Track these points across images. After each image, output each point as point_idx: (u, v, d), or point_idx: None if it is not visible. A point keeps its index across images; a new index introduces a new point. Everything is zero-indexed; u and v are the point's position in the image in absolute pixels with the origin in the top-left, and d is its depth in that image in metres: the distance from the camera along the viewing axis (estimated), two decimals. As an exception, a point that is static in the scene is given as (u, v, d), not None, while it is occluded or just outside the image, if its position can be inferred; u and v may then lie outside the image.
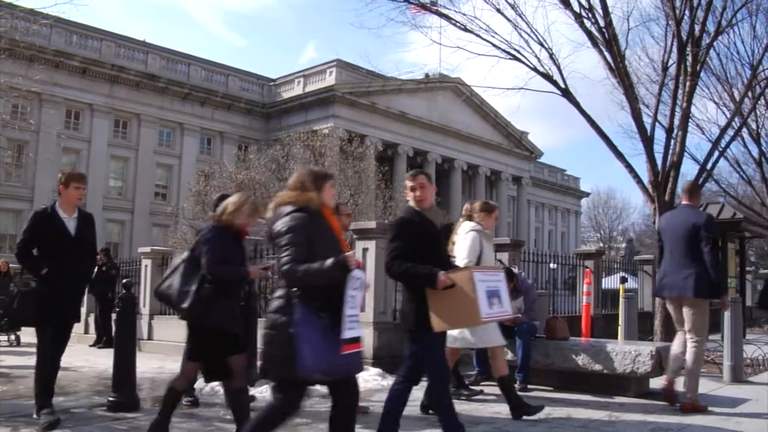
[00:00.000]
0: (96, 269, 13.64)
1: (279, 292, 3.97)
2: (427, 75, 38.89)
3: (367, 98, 44.64)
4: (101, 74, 39.85)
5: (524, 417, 6.33)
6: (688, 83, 12.26)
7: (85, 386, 8.74)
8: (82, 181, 6.36)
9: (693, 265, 6.76)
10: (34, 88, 29.65)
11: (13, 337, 15.21)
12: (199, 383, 8.36)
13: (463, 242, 6.64)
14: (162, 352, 13.35)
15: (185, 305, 5.11)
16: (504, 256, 12.26)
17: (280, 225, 3.99)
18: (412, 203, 5.30)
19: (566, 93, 12.48)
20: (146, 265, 14.64)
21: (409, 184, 5.35)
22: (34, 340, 13.25)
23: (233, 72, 47.51)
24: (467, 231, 6.74)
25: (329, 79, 44.10)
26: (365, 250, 10.24)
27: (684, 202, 7.27)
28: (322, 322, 3.81)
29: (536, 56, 12.37)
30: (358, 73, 43.80)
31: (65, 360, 11.25)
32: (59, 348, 6.32)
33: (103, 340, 14.54)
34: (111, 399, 6.78)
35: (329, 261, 3.82)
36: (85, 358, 11.32)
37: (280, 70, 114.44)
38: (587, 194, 78.84)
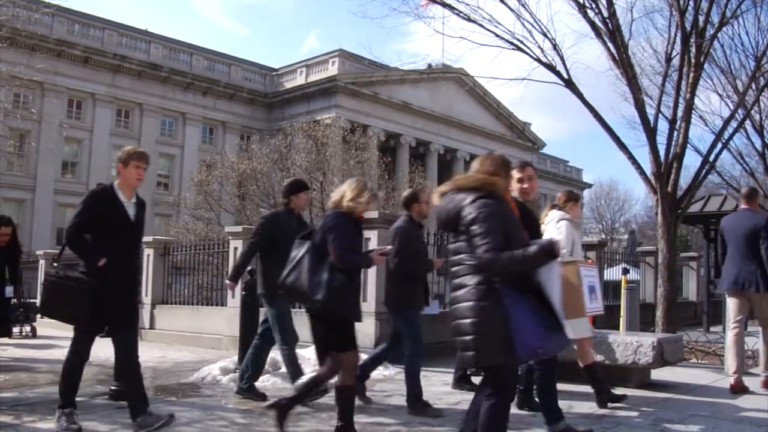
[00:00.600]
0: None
1: (475, 279, 3.82)
2: (429, 65, 38.90)
3: (369, 88, 44.59)
4: (103, 63, 39.82)
5: (607, 402, 6.54)
6: (691, 74, 12.22)
7: (87, 375, 8.70)
8: (143, 160, 5.61)
9: (755, 263, 7.43)
10: (36, 77, 29.61)
11: (28, 328, 14.96)
12: (202, 372, 8.41)
13: (556, 232, 6.39)
14: (164, 342, 13.39)
15: (319, 297, 4.92)
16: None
17: (472, 212, 3.85)
18: (516, 194, 5.33)
19: (569, 84, 12.44)
20: (148, 255, 14.65)
21: (516, 175, 5.38)
22: (51, 333, 13.08)
23: (236, 61, 47.43)
24: (558, 220, 6.53)
25: (332, 69, 44.05)
26: (367, 239, 10.22)
27: (743, 206, 7.98)
28: (531, 303, 3.75)
29: (539, 47, 12.33)
30: (360, 63, 43.72)
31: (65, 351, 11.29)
32: (123, 348, 5.64)
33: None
34: (113, 388, 6.79)
35: (533, 247, 3.75)
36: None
37: (281, 60, 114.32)
38: (589, 185, 78.72)
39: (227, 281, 7.87)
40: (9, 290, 7.07)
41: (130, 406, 5.44)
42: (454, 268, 3.96)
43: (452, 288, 3.97)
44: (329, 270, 4.98)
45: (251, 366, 7.12)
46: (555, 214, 6.65)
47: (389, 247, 6.18)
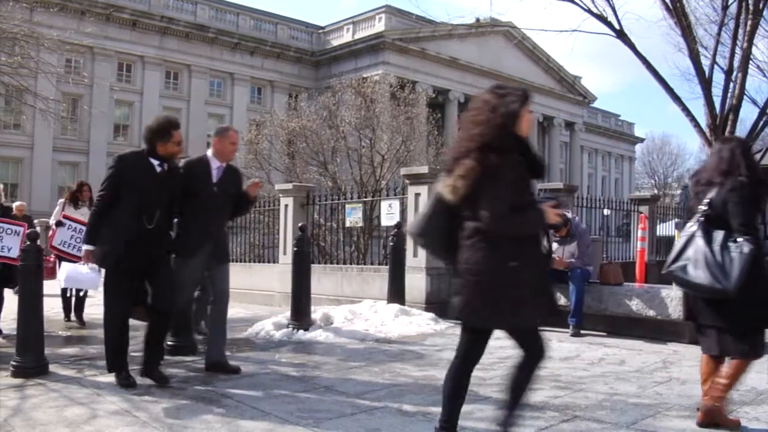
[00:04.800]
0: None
1: None
2: (477, 19, 38.29)
3: (416, 44, 44.15)
4: (151, 26, 40.12)
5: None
6: (749, 22, 11.86)
7: (143, 331, 8.96)
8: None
9: None
10: (86, 41, 30.02)
11: None
12: (255, 327, 8.53)
13: None
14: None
15: None
16: (556, 202, 12.16)
17: None
18: None
19: (621, 35, 12.20)
20: (200, 214, 14.88)
21: None
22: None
23: (282, 20, 47.32)
24: None
25: (378, 26, 43.70)
26: (417, 195, 10.23)
27: None
28: None
29: (590, -3, 12.08)
30: (407, 18, 43.29)
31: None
32: None
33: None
34: (169, 343, 6.92)
35: None
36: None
37: (321, 18, 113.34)
38: (642, 140, 77.33)
39: None
40: None
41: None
42: None
43: None
44: None
45: None
46: None
47: None
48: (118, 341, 5.48)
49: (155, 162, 5.38)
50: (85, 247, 5.50)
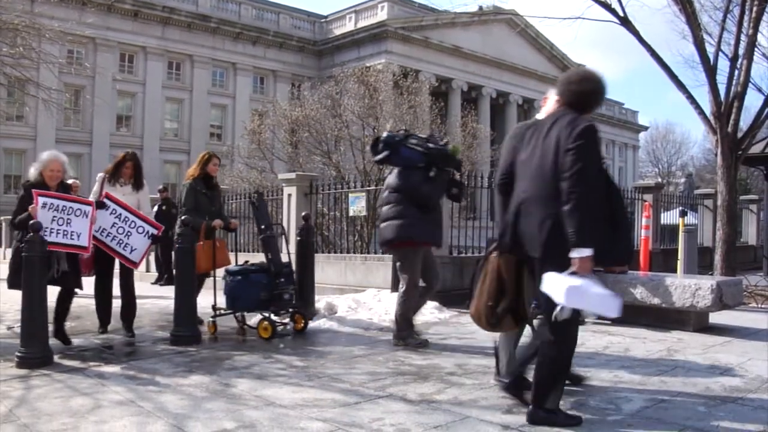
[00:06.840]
0: (156, 208, 13.90)
1: None
2: (480, 8, 38.19)
3: (420, 33, 44.06)
4: (153, 16, 40.10)
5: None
6: (754, 9, 11.77)
7: (147, 322, 8.97)
8: None
9: None
10: (88, 32, 30.06)
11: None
12: (259, 317, 8.52)
13: None
14: (220, 288, 13.61)
15: None
16: (560, 191, 12.12)
17: None
18: None
19: (625, 22, 12.12)
20: (204, 204, 14.85)
21: None
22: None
23: (284, 9, 47.23)
24: None
25: (381, 14, 43.60)
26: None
27: None
28: None
29: (593, -17, 11.99)
30: (410, 7, 43.23)
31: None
32: None
33: (164, 278, 14.83)
34: (173, 333, 6.95)
35: None
36: (147, 295, 11.60)
37: (323, 6, 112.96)
38: (645, 128, 77.14)
39: None
40: None
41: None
42: None
43: None
44: None
45: None
46: None
47: None
48: None
49: None
50: (586, 252, 3.78)
